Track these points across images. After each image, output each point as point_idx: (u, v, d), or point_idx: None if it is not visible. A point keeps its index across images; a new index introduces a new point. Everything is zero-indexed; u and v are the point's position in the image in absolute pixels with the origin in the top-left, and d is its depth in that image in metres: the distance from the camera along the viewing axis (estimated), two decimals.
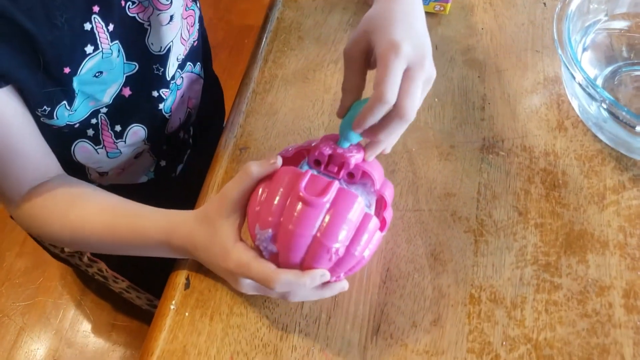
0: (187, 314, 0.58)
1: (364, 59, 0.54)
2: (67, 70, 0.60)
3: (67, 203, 0.62)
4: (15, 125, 0.59)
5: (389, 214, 0.57)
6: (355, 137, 0.54)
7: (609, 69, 0.75)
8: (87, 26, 0.60)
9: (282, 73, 0.76)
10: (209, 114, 0.88)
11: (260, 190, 0.52)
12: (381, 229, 0.55)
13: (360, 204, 0.51)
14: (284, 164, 0.53)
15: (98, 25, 0.61)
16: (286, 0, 0.84)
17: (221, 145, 0.70)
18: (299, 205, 0.49)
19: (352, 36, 0.55)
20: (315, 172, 0.52)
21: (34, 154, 0.62)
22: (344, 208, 0.49)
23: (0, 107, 0.57)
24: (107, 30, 0.62)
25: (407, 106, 0.49)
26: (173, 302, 0.59)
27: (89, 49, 0.61)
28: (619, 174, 0.69)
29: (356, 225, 0.50)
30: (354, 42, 0.54)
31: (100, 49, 0.62)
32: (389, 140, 0.54)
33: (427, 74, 0.51)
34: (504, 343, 0.58)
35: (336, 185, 0.50)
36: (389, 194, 0.57)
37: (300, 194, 0.49)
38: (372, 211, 0.55)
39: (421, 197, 0.67)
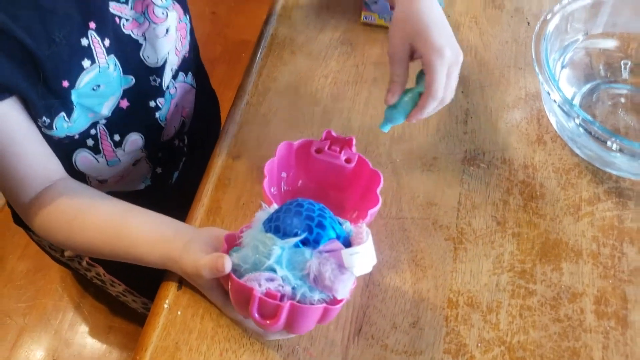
0: (179, 312, 0.62)
1: (408, 57, 0.65)
2: (65, 83, 0.64)
3: (71, 215, 0.65)
4: (18, 132, 0.63)
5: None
6: (399, 121, 0.66)
7: (588, 86, 0.79)
8: (84, 42, 0.64)
9: (275, 86, 0.80)
10: (204, 124, 0.92)
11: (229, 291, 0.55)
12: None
13: (316, 311, 0.52)
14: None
15: (94, 41, 0.65)
16: (280, 17, 0.88)
17: (215, 153, 0.73)
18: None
19: (392, 40, 0.65)
20: (261, 294, 0.51)
21: (37, 158, 0.65)
22: (301, 321, 0.52)
23: (4, 115, 0.61)
24: (104, 45, 0.66)
25: (448, 96, 0.64)
26: (166, 301, 0.62)
27: (86, 63, 0.64)
28: (594, 187, 0.73)
29: (316, 319, 0.53)
30: (397, 46, 0.65)
31: (97, 63, 0.66)
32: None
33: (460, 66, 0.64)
34: (479, 345, 0.61)
35: (286, 307, 0.50)
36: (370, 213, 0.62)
37: (255, 320, 0.52)
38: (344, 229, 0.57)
39: (404, 206, 0.70)
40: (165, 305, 0.62)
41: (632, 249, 0.68)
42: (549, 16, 0.73)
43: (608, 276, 0.66)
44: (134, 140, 0.76)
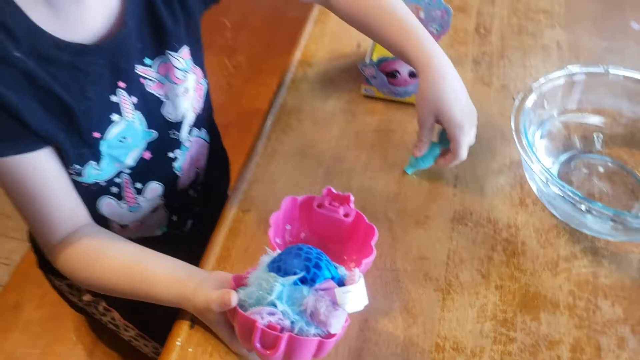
0: (190, 350, 0.68)
1: (433, 125, 0.81)
2: (96, 135, 0.72)
3: (93, 257, 0.73)
4: (52, 180, 0.71)
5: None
6: (422, 167, 0.85)
7: (566, 155, 0.87)
8: (114, 98, 0.73)
9: (282, 149, 0.88)
10: (216, 178, 1.00)
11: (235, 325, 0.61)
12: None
13: (312, 343, 0.58)
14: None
15: (123, 98, 0.74)
16: (289, 88, 0.98)
17: (227, 207, 0.81)
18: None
19: (419, 111, 0.80)
20: (262, 326, 0.57)
21: (68, 204, 0.73)
22: (298, 352, 0.58)
23: (41, 163, 0.69)
24: (131, 102, 0.75)
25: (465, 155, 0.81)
26: (179, 339, 0.68)
27: (115, 117, 0.74)
28: (571, 246, 0.80)
29: (312, 352, 0.60)
30: (424, 116, 0.80)
31: (125, 118, 0.75)
32: None
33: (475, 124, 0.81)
34: None
35: (285, 338, 0.57)
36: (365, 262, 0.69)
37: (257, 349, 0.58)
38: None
39: (398, 259, 0.77)
40: (178, 343, 0.68)
41: (605, 302, 0.74)
42: (527, 93, 0.82)
43: (583, 327, 0.72)
44: (154, 188, 0.85)
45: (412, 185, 0.85)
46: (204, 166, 0.96)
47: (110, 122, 0.74)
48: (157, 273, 0.70)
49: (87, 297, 0.97)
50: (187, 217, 0.97)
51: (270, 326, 0.57)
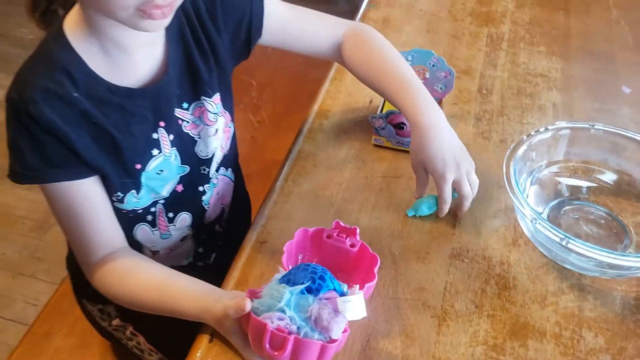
0: None
1: (425, 173, 0.91)
2: (138, 166, 0.83)
3: (126, 275, 0.83)
4: (96, 205, 0.82)
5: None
6: (423, 213, 0.94)
7: (555, 202, 0.95)
8: (155, 135, 0.84)
9: (298, 190, 0.98)
10: (239, 217, 1.10)
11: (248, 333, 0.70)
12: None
13: (315, 346, 0.66)
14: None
15: (162, 136, 0.85)
16: (306, 137, 1.08)
17: (247, 238, 0.90)
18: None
19: (412, 162, 0.92)
20: (272, 329, 0.65)
21: (109, 228, 0.83)
22: (303, 355, 0.66)
23: (88, 190, 0.80)
24: (169, 139, 0.86)
25: (468, 196, 0.91)
26: (199, 351, 0.77)
27: (155, 152, 0.85)
28: (559, 282, 0.87)
29: (316, 356, 0.67)
30: (415, 166, 0.92)
31: (163, 153, 0.85)
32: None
33: (466, 174, 0.90)
34: None
35: (291, 340, 0.65)
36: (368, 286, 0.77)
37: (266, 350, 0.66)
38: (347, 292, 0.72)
39: (399, 289, 0.85)
40: (198, 354, 0.76)
41: (589, 333, 0.81)
42: (518, 144, 0.91)
43: (568, 354, 0.79)
44: (184, 218, 0.95)
45: (415, 226, 0.94)
46: (228, 204, 1.06)
47: (151, 156, 0.85)
48: (182, 290, 0.79)
49: (116, 322, 1.05)
50: (212, 251, 1.06)
51: (278, 329, 0.65)
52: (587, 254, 0.79)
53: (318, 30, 1.01)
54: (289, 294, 0.66)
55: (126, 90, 0.81)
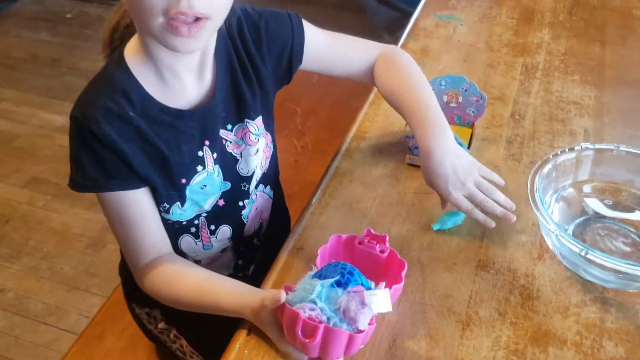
0: (246, 352, 0.82)
1: None
2: (183, 180, 0.92)
3: (172, 276, 0.90)
4: (146, 213, 0.90)
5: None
6: (446, 226, 1.00)
7: (581, 219, 0.99)
8: (200, 153, 0.93)
9: (334, 202, 1.05)
10: (277, 232, 1.16)
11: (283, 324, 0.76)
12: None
13: (343, 335, 0.72)
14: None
15: (207, 153, 0.93)
16: (344, 156, 1.15)
17: (285, 245, 0.97)
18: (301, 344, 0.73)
19: (426, 183, 0.97)
20: (304, 318, 0.72)
21: (157, 234, 0.91)
22: (332, 343, 0.73)
23: (139, 199, 0.89)
24: (213, 157, 0.94)
25: (481, 201, 0.94)
26: (238, 343, 0.83)
27: (199, 168, 0.93)
28: (582, 295, 0.90)
29: (344, 346, 0.74)
30: (428, 185, 0.97)
31: (207, 169, 0.93)
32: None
33: (478, 185, 0.95)
34: None
35: (322, 328, 0.71)
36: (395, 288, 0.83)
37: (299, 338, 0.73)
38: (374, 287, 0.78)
39: (426, 295, 0.90)
40: (237, 345, 0.83)
41: (609, 343, 0.84)
42: (543, 163, 0.96)
43: None
44: (224, 230, 1.02)
45: (444, 239, 0.99)
46: (267, 219, 1.13)
47: (196, 172, 0.93)
48: (224, 289, 0.86)
49: (161, 325, 1.13)
50: (250, 263, 1.13)
51: (310, 318, 0.71)
52: (607, 265, 0.83)
53: (353, 54, 1.09)
54: (320, 286, 0.72)
55: (177, 111, 0.89)
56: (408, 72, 1.06)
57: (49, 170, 2.55)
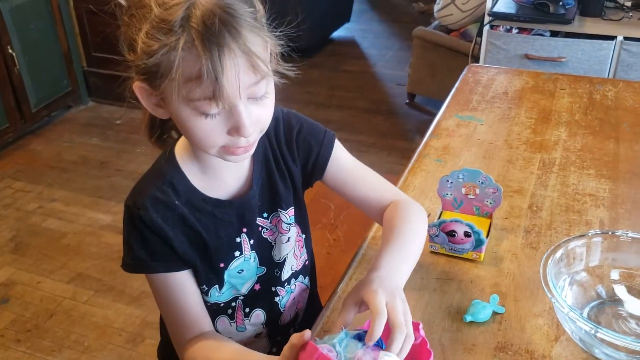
0: None
1: (355, 306, 0.89)
2: (222, 265, 1.00)
3: (211, 349, 0.96)
4: (189, 293, 0.98)
5: None
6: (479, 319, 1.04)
7: (595, 302, 1.04)
8: (237, 239, 1.02)
9: None
10: (312, 323, 1.21)
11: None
12: None
13: None
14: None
15: (244, 240, 1.02)
16: (370, 244, 1.23)
17: (313, 327, 1.04)
18: None
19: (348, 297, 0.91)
20: (322, 351, 0.78)
21: (198, 312, 0.99)
22: None
23: (183, 280, 0.97)
24: (250, 243, 1.03)
25: (397, 320, 0.83)
26: None
27: (237, 253, 1.01)
28: None
29: None
30: (349, 300, 0.90)
31: (244, 255, 1.02)
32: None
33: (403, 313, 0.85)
34: None
35: None
36: None
37: None
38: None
39: None
40: None
41: None
42: (555, 249, 1.02)
43: None
44: (257, 314, 1.09)
45: (464, 322, 1.04)
46: (303, 308, 1.20)
47: (234, 257, 1.02)
48: (259, 356, 0.92)
49: None
50: None
51: (326, 356, 0.77)
52: (618, 344, 0.87)
53: (371, 190, 1.11)
54: (344, 334, 0.79)
55: (217, 201, 0.99)
56: (408, 216, 1.06)
57: (93, 267, 2.68)
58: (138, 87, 0.86)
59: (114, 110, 4.04)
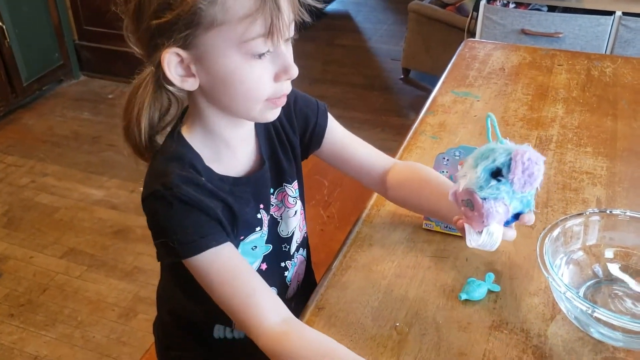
0: None
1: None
2: (241, 237, 0.98)
3: (296, 340, 0.86)
4: (248, 269, 0.90)
5: None
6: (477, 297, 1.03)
7: (592, 282, 1.03)
8: (259, 215, 1.00)
9: (355, 264, 1.11)
10: (309, 296, 1.20)
11: None
12: None
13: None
14: None
15: (264, 216, 1.01)
16: (364, 221, 1.22)
17: (307, 305, 1.03)
18: None
19: None
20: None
21: (270, 293, 0.91)
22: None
23: (235, 253, 0.90)
24: (267, 219, 1.01)
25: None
26: None
27: (257, 229, 1.00)
28: (593, 355, 0.93)
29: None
30: None
31: (262, 230, 1.01)
32: None
33: None
34: None
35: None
36: None
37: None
38: None
39: (441, 353, 0.94)
40: None
41: None
42: (552, 228, 1.01)
43: None
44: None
45: (459, 300, 1.04)
46: (301, 281, 1.19)
47: (253, 230, 1.00)
48: (345, 354, 0.85)
49: None
50: None
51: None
52: (615, 324, 0.86)
53: (370, 157, 1.14)
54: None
55: (233, 179, 0.97)
56: (431, 171, 1.10)
57: (86, 242, 2.67)
58: (167, 56, 0.82)
59: (106, 84, 4.00)
